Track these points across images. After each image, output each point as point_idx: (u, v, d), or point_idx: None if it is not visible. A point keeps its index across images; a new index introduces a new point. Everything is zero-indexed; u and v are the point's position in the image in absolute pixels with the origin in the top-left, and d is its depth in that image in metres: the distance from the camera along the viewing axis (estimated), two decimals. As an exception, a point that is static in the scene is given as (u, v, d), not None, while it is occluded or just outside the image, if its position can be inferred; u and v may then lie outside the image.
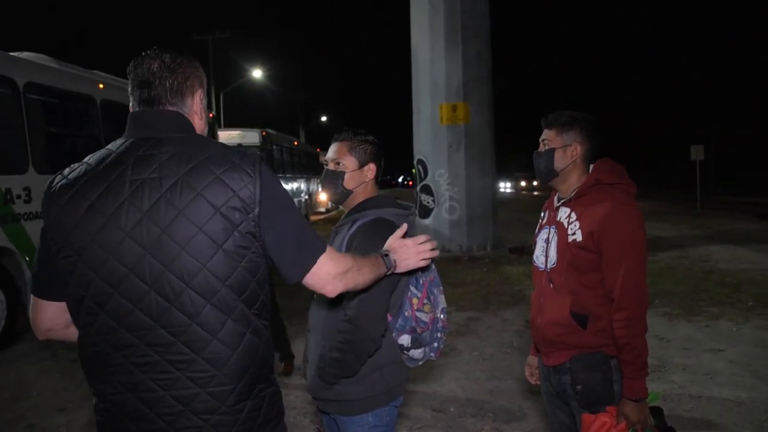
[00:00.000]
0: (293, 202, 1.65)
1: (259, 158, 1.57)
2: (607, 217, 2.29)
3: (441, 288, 2.40)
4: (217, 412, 1.50)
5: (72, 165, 1.61)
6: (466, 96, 12.42)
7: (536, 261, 2.59)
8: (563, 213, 2.46)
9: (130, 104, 1.68)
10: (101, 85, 8.86)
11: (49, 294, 1.61)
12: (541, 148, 2.53)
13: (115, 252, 1.48)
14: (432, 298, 2.33)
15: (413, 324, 2.27)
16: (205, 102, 1.73)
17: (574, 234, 2.37)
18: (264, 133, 18.93)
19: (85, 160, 1.60)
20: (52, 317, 1.64)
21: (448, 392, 4.90)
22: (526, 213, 22.52)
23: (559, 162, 2.47)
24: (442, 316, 2.37)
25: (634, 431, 2.25)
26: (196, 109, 1.68)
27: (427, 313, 2.30)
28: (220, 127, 20.71)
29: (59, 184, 1.57)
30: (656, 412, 2.34)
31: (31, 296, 1.65)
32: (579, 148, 2.46)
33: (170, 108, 1.62)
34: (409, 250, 1.94)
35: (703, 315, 7.08)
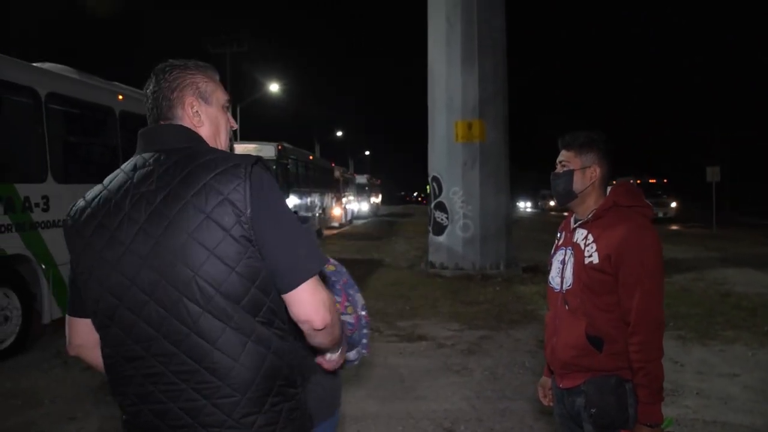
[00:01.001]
0: (287, 207, 1.58)
1: (253, 160, 1.51)
2: (624, 240, 2.28)
3: (356, 287, 2.43)
4: (225, 426, 1.48)
5: (94, 188, 1.65)
6: (481, 113, 12.43)
7: (552, 282, 2.57)
8: (580, 234, 2.45)
9: None
10: (121, 97, 8.98)
11: (77, 311, 1.67)
12: (559, 170, 2.51)
13: (117, 265, 1.51)
14: (350, 299, 2.36)
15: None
16: (206, 108, 1.69)
17: (590, 256, 2.36)
18: (280, 147, 19.03)
19: (104, 181, 1.64)
20: (82, 334, 1.68)
21: (459, 411, 4.87)
22: (542, 232, 22.43)
23: (578, 184, 2.46)
24: (363, 313, 2.40)
25: None
26: (188, 120, 1.65)
27: (350, 314, 2.33)
28: (236, 140, 20.85)
29: (77, 207, 1.63)
30: None
31: (66, 314, 1.71)
32: (598, 170, 2.45)
33: (173, 122, 1.65)
34: None
35: (718, 339, 6.98)
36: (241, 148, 17.96)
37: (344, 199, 32.28)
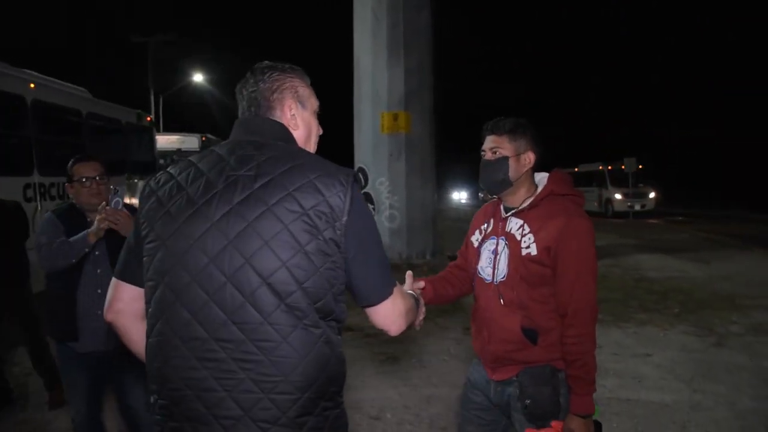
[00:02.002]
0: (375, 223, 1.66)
1: (353, 172, 1.57)
2: (563, 232, 2.22)
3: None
4: (278, 423, 1.45)
5: (177, 163, 1.67)
6: (407, 105, 12.52)
7: (481, 273, 2.46)
8: (514, 224, 2.35)
9: None
10: (32, 85, 8.55)
11: (127, 276, 1.64)
12: (490, 156, 2.36)
13: (199, 241, 1.49)
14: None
15: None
16: (301, 112, 1.74)
17: (528, 247, 2.28)
18: (204, 138, 18.62)
19: (192, 158, 1.66)
20: (127, 300, 1.65)
21: (385, 399, 4.92)
22: (466, 222, 22.77)
23: (513, 171, 2.33)
24: None
25: None
26: (285, 121, 1.70)
27: None
28: (159, 131, 20.23)
29: (160, 177, 1.64)
30: (596, 426, 2.33)
31: (113, 278, 1.68)
32: (532, 156, 2.35)
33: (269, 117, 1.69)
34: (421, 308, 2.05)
35: (632, 321, 7.34)
36: (164, 139, 17.46)
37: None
